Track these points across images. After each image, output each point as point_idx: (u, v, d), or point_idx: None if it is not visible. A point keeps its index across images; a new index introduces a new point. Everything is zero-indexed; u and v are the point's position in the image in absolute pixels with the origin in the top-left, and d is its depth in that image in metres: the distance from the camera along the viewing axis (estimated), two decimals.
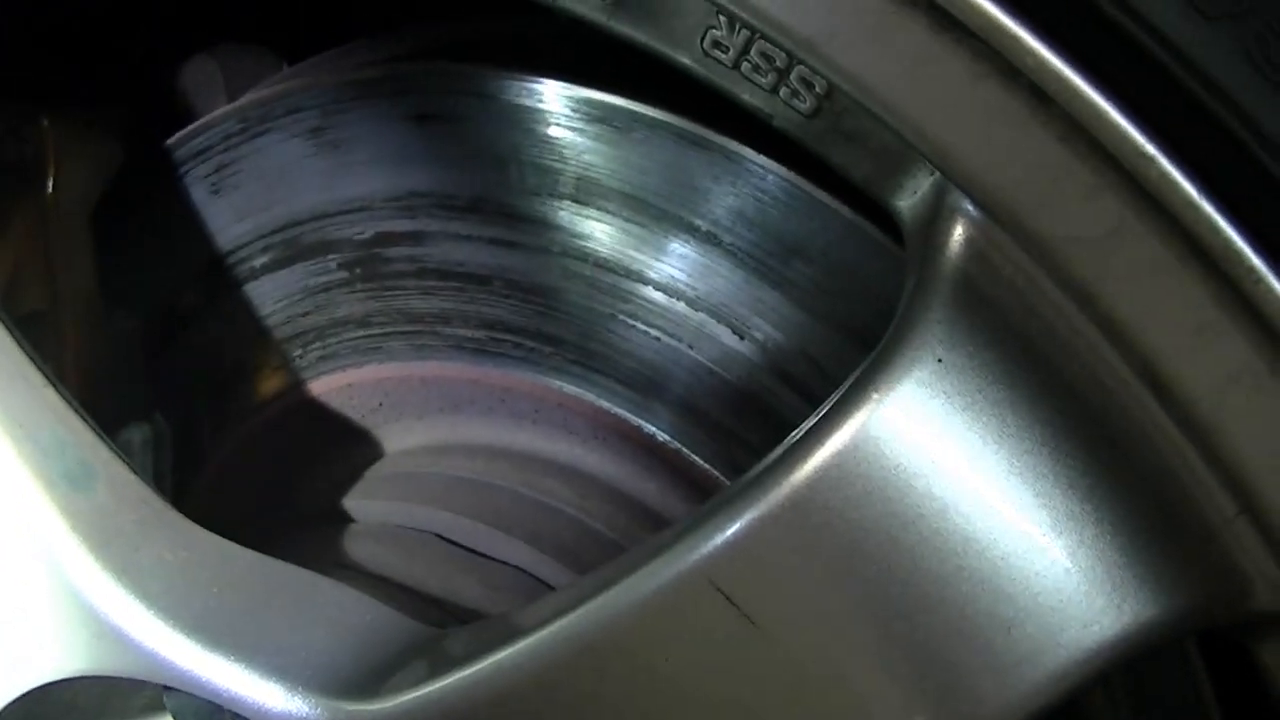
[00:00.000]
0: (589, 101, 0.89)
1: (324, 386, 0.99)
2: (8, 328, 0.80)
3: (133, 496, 0.82)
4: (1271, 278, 0.61)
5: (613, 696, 0.71)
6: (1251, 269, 0.61)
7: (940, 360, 0.68)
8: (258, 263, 0.99)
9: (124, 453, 0.97)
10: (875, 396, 0.68)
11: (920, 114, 0.64)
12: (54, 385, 0.80)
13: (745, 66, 0.73)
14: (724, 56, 0.73)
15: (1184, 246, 0.62)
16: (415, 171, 0.94)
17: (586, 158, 0.90)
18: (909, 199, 0.72)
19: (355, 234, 0.96)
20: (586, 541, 0.93)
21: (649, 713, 0.71)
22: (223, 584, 0.81)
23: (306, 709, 0.75)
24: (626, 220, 0.90)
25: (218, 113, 0.96)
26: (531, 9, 0.76)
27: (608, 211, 0.90)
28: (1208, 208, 0.60)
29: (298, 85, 0.96)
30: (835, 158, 0.73)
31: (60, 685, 0.79)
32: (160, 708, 0.79)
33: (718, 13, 0.70)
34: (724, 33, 0.72)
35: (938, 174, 0.67)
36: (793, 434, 0.70)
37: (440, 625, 0.82)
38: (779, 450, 0.70)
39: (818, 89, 0.70)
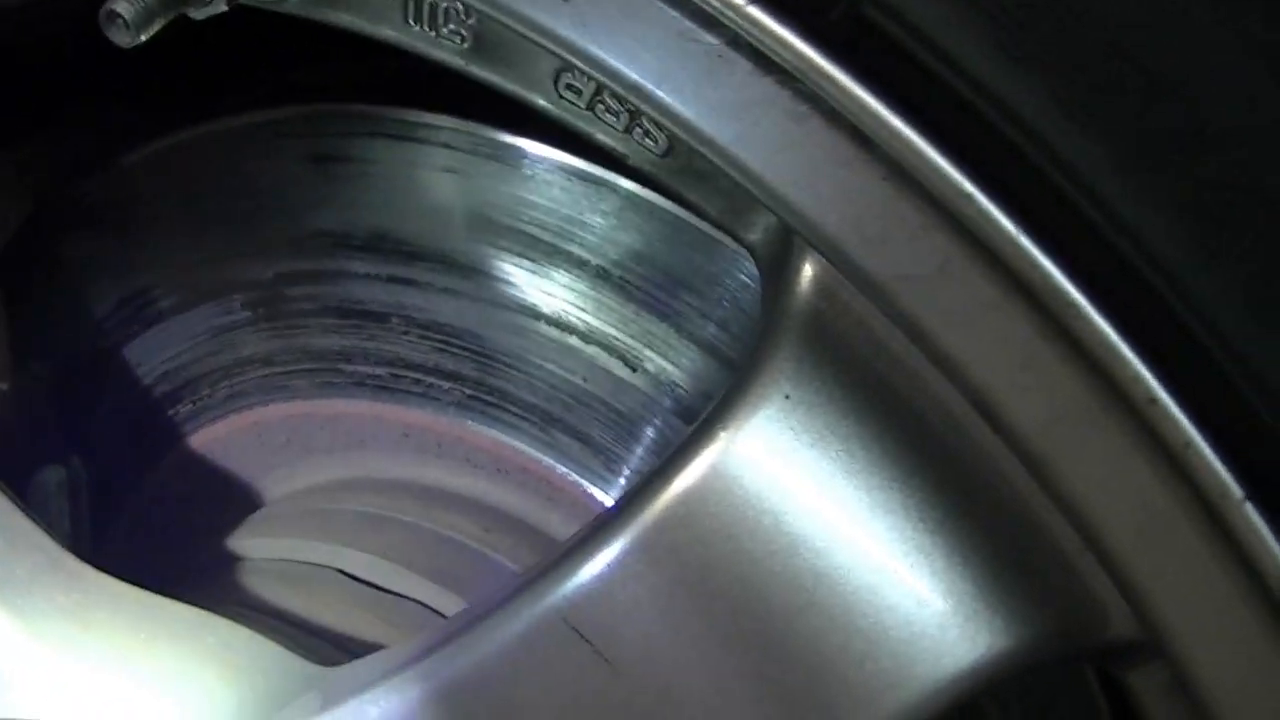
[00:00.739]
0: (478, 138, 0.90)
1: (230, 426, 1.01)
2: None
3: (26, 543, 0.84)
4: (1093, 313, 0.61)
5: None
6: (1072, 304, 0.61)
7: (788, 396, 0.69)
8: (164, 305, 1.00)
9: (39, 495, 0.99)
10: (724, 434, 0.69)
11: (748, 156, 0.64)
12: None
13: (599, 108, 0.73)
14: (577, 99, 0.73)
15: (1007, 283, 0.62)
16: (315, 212, 0.95)
17: (479, 194, 0.91)
18: (760, 235, 0.73)
19: (257, 275, 0.97)
20: (490, 575, 0.94)
21: None
22: (114, 625, 0.82)
23: None
24: (518, 255, 0.91)
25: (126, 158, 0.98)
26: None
27: (499, 247, 0.91)
28: (1027, 244, 0.61)
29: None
30: (689, 196, 0.74)
31: None
32: None
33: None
34: (576, 77, 0.73)
35: None
36: (645, 472, 0.71)
37: (338, 662, 0.83)
38: (632, 488, 0.71)
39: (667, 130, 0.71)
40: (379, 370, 0.96)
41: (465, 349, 0.94)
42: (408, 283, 0.94)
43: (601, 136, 0.74)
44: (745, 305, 0.87)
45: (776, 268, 0.70)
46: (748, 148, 0.64)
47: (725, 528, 0.68)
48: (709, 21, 0.63)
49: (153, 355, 1.01)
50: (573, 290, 0.90)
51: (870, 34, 0.62)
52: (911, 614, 0.69)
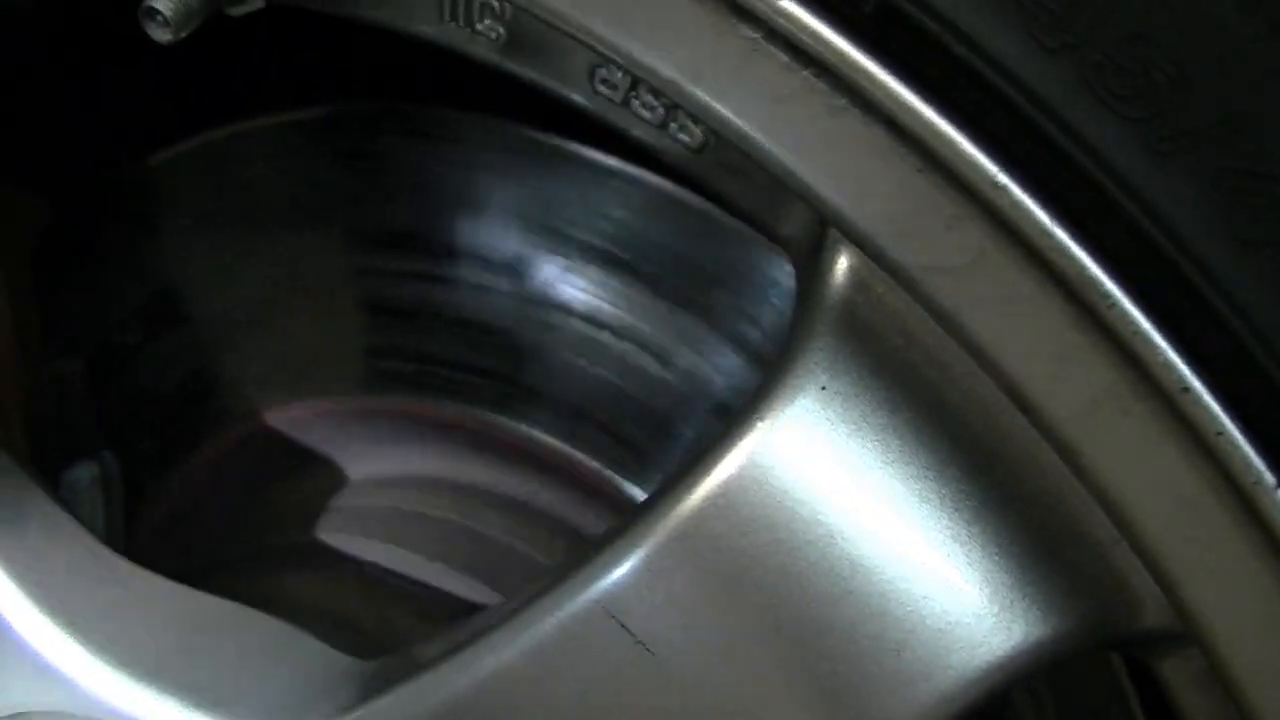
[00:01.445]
0: (509, 135, 0.91)
1: (261, 422, 1.01)
2: None
3: (65, 536, 0.84)
4: (1126, 302, 0.61)
5: None
6: (1106, 294, 0.61)
7: (824, 388, 0.69)
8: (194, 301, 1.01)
9: (72, 491, 1.00)
10: (761, 425, 0.69)
11: (784, 149, 0.64)
12: None
13: (634, 103, 0.74)
14: (613, 94, 0.74)
15: (1041, 274, 0.62)
16: (345, 210, 0.96)
17: (511, 191, 0.92)
18: (794, 228, 0.73)
19: (287, 272, 0.98)
20: (522, 570, 0.94)
21: None
22: (153, 620, 0.83)
23: None
24: (550, 252, 0.92)
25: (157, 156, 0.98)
26: None
27: (530, 244, 0.92)
28: (1061, 235, 0.61)
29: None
30: (724, 190, 0.74)
31: None
32: None
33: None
34: (611, 72, 0.73)
35: None
36: (683, 463, 0.71)
37: (373, 657, 0.84)
38: (670, 479, 0.71)
39: (704, 124, 0.71)
40: (410, 367, 0.97)
41: (497, 345, 0.94)
42: (439, 279, 0.95)
43: (637, 132, 0.74)
44: (777, 300, 0.87)
45: (811, 261, 0.71)
46: (784, 141, 0.65)
47: (763, 518, 0.69)
48: (745, 15, 0.63)
49: (183, 351, 1.01)
50: (605, 286, 0.91)
51: (904, 26, 0.62)
52: (947, 603, 0.69)
